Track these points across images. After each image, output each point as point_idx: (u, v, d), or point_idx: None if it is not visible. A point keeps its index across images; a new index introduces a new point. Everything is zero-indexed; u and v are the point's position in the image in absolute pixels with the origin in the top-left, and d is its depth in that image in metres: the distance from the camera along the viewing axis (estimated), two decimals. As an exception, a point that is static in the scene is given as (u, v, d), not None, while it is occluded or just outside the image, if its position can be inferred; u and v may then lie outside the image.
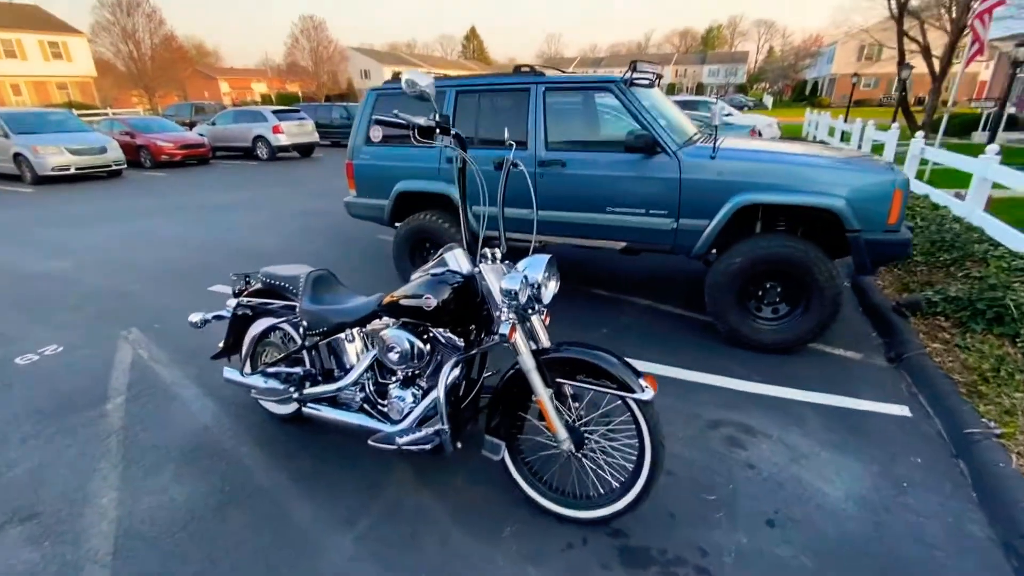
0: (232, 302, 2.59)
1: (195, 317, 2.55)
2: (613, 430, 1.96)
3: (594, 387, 1.78)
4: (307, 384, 2.33)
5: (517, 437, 2.03)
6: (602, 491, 1.94)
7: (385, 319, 2.10)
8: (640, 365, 2.56)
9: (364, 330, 2.21)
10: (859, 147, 9.42)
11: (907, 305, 3.40)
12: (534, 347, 1.85)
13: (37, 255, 5.56)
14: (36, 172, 10.31)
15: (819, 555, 1.79)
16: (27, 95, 31.69)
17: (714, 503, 2.03)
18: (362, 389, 2.21)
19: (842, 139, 11.68)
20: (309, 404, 2.26)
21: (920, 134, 6.45)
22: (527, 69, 3.55)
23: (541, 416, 1.97)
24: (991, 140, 6.45)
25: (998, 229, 4.41)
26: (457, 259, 2.02)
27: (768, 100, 44.12)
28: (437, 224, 3.84)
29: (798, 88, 51.34)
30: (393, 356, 1.98)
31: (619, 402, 1.83)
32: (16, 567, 1.79)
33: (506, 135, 2.34)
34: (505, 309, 1.79)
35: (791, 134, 15.31)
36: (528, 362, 1.81)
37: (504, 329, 1.75)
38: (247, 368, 2.63)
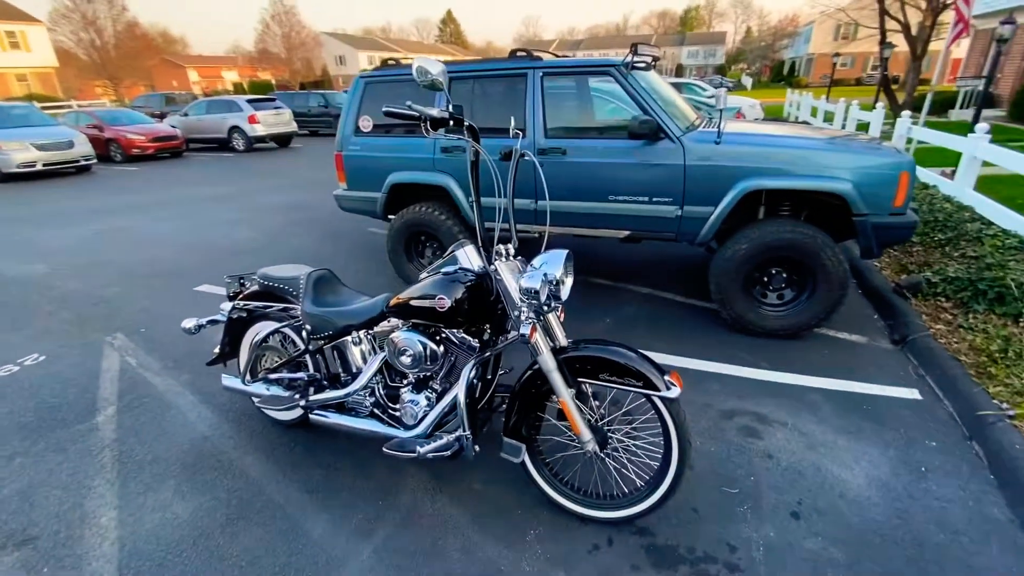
0: (227, 305, 2.47)
1: (188, 323, 2.43)
2: (637, 428, 1.91)
3: (619, 386, 1.72)
4: (312, 390, 2.24)
5: (536, 438, 1.97)
6: (626, 490, 1.90)
7: (394, 321, 2.01)
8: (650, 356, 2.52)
9: (371, 332, 2.12)
10: (843, 127, 9.48)
11: (908, 286, 3.42)
12: (552, 346, 1.78)
13: (7, 258, 5.30)
14: (0, 170, 9.83)
15: (847, 546, 1.78)
16: (-16, 88, 30.23)
17: (737, 496, 2.00)
18: (372, 394, 2.13)
19: (825, 119, 11.75)
20: (316, 411, 2.17)
21: (907, 114, 6.49)
22: (523, 53, 3.43)
23: (560, 416, 1.92)
24: (975, 118, 6.52)
25: (988, 207, 4.46)
26: (468, 256, 1.94)
27: (747, 81, 44.23)
28: (433, 217, 3.73)
29: (776, 69, 51.59)
30: (405, 360, 1.90)
31: (642, 399, 1.79)
32: (14, 598, 1.69)
33: (512, 124, 2.24)
34: (525, 308, 1.71)
35: (773, 115, 15.37)
36: (549, 362, 1.74)
37: (524, 329, 1.69)
38: (246, 375, 2.53)
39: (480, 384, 1.98)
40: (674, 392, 1.65)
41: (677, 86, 11.87)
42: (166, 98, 19.29)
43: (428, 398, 1.97)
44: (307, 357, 2.29)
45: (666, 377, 1.67)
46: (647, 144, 3.10)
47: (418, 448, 1.82)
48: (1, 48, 30.85)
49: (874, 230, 2.83)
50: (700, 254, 4.53)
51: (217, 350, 2.49)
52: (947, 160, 6.84)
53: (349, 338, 2.13)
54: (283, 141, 14.90)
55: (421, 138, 3.70)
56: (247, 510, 2.02)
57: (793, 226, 2.91)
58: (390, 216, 4.06)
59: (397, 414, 2.07)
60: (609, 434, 1.87)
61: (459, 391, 1.80)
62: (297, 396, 2.18)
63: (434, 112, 1.62)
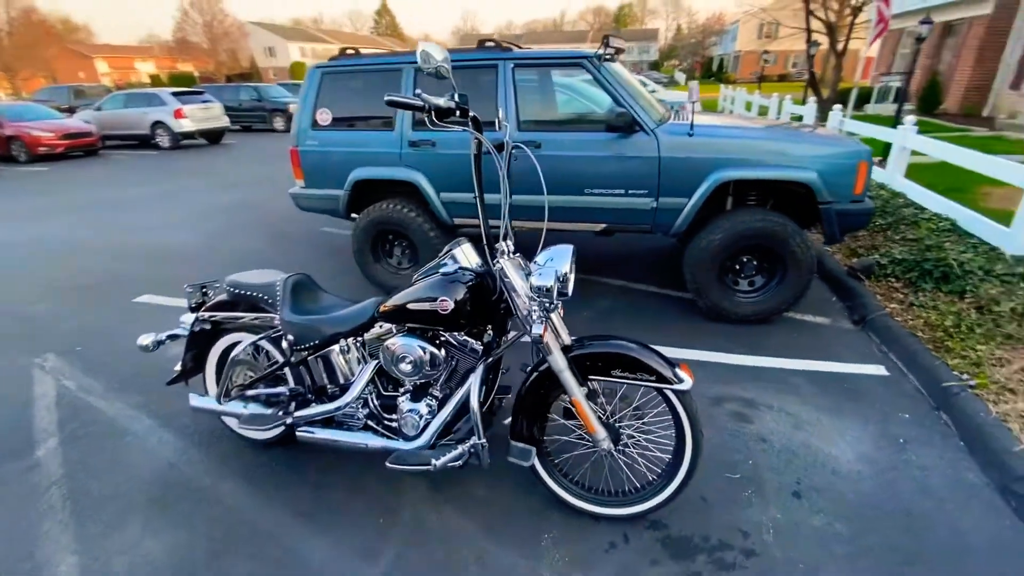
0: (188, 318, 2.24)
1: (146, 339, 2.18)
2: (647, 422, 1.90)
3: (632, 382, 1.69)
4: (295, 405, 2.07)
5: (543, 439, 1.92)
6: (638, 485, 1.89)
7: (386, 326, 1.89)
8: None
9: (360, 340, 1.98)
10: (777, 119, 10.02)
11: (861, 269, 3.64)
12: (559, 344, 1.73)
13: None
14: None
15: (849, 520, 1.85)
16: None
17: (740, 482, 2.04)
18: (365, 405, 1.99)
19: (760, 113, 12.39)
20: (302, 427, 2.01)
21: (838, 107, 6.93)
22: (492, 44, 3.34)
23: (567, 415, 1.88)
24: (898, 111, 7.08)
25: (919, 193, 4.85)
26: (466, 255, 1.86)
27: (680, 77, 46.03)
28: (403, 214, 3.57)
29: (706, 65, 53.98)
30: (405, 367, 1.79)
31: (652, 393, 1.78)
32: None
33: (500, 116, 2.17)
34: (536, 307, 1.65)
35: (709, 109, 16.05)
36: (560, 361, 1.69)
37: (537, 329, 1.62)
38: (214, 391, 2.30)
39: (484, 387, 1.90)
40: (687, 384, 1.65)
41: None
42: (74, 91, 17.50)
43: (429, 406, 1.87)
44: (286, 370, 2.11)
45: (676, 369, 1.67)
46: (622, 137, 3.10)
47: (433, 461, 1.71)
48: None
49: (837, 217, 2.98)
50: (668, 246, 4.63)
51: (178, 367, 2.25)
52: (874, 150, 7.40)
53: (336, 347, 1.98)
54: (214, 137, 13.92)
55: (385, 131, 3.53)
56: (233, 541, 1.84)
57: (764, 215, 3.01)
58: (353, 215, 3.86)
59: (394, 425, 1.96)
60: (620, 430, 1.84)
61: (471, 396, 1.71)
62: (281, 413, 2.01)
63: (441, 102, 1.52)
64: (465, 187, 3.46)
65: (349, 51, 3.63)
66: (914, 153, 5.31)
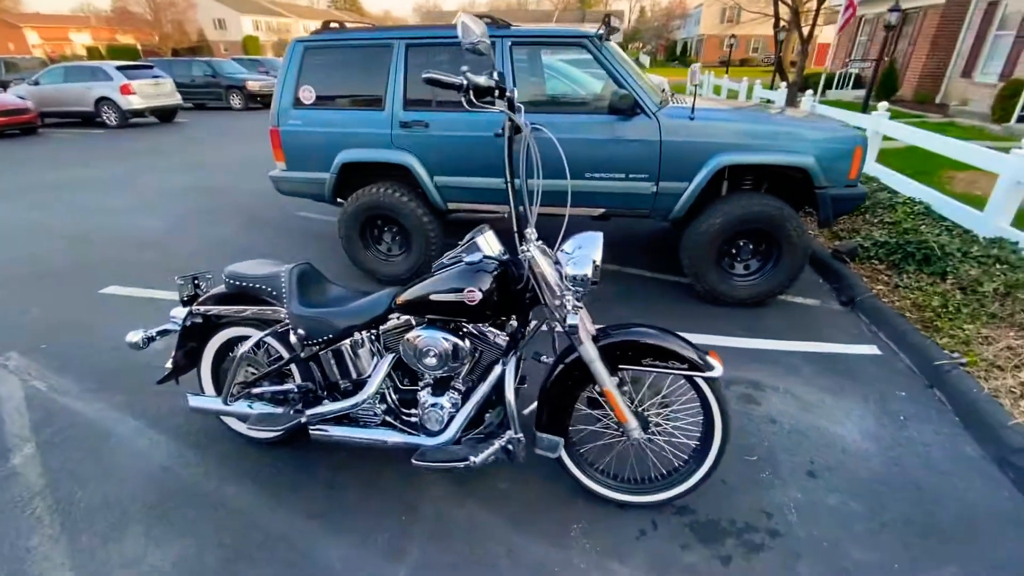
0: (179, 312, 2.09)
1: (135, 336, 2.01)
2: (675, 409, 1.89)
3: (663, 370, 1.68)
4: (303, 402, 1.97)
5: (568, 429, 1.89)
6: (664, 472, 1.89)
7: (404, 318, 1.80)
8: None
9: (375, 332, 1.88)
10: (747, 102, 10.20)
11: (846, 251, 3.76)
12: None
13: None
14: None
15: (863, 497, 1.91)
16: None
17: (757, 463, 2.08)
18: (382, 400, 1.91)
19: (728, 97, 12.59)
20: (316, 426, 1.91)
21: (810, 92, 7.09)
22: (488, 20, 3.20)
23: (592, 405, 1.86)
24: (867, 96, 7.31)
25: (890, 177, 5.03)
26: (489, 242, 1.78)
27: (645, 60, 46.26)
28: (394, 199, 3.42)
29: (670, 48, 54.41)
30: (430, 360, 1.72)
31: (680, 380, 1.77)
32: None
33: (514, 95, 2.07)
34: (570, 296, 1.60)
35: (678, 92, 16.20)
36: (591, 351, 1.66)
37: (573, 320, 1.58)
38: (210, 390, 2.17)
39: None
40: (718, 371, 1.65)
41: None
42: (5, 64, 16.07)
43: (452, 400, 1.80)
44: (293, 366, 2.00)
45: (707, 357, 1.66)
46: (623, 119, 3.06)
47: (471, 458, 1.65)
48: None
49: (831, 201, 3.04)
50: (659, 229, 4.65)
51: (169, 364, 2.10)
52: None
53: (349, 340, 1.88)
54: (166, 115, 13.10)
55: (375, 111, 3.36)
56: (246, 547, 1.74)
57: (762, 199, 3.04)
58: (339, 199, 3.69)
59: (413, 420, 1.89)
60: (649, 418, 1.83)
61: (506, 388, 1.65)
62: (292, 412, 1.90)
63: (482, 80, 1.42)
64: (460, 170, 3.35)
65: (333, 25, 3.42)
66: (884, 138, 5.50)
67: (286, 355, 1.98)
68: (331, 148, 3.46)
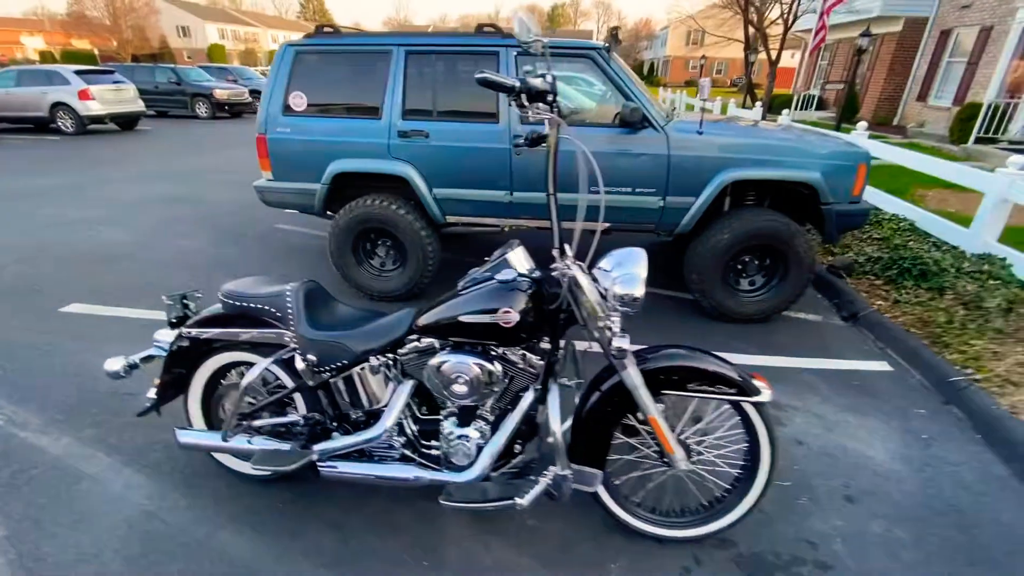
0: (166, 334, 1.88)
1: (115, 364, 1.79)
2: (718, 436, 1.79)
3: (711, 396, 1.58)
4: (313, 435, 1.78)
5: (606, 461, 1.76)
6: (705, 503, 1.78)
7: (426, 341, 1.65)
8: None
9: (391, 357, 1.72)
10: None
11: (842, 267, 3.79)
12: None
13: None
14: None
15: (906, 523, 1.84)
16: None
17: (792, 489, 1.99)
18: (401, 431, 1.73)
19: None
20: (325, 463, 1.72)
21: (786, 111, 7.30)
22: (490, 29, 3.11)
23: (629, 432, 1.74)
24: (840, 116, 7.57)
25: (871, 195, 5.15)
26: (520, 259, 1.66)
27: (614, 78, 47.39)
28: (390, 211, 3.26)
29: (637, 68, 55.98)
30: (459, 388, 1.57)
31: (724, 405, 1.67)
32: None
33: (563, 104, 1.97)
34: (617, 318, 1.49)
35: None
36: (635, 377, 1.54)
37: (622, 343, 1.47)
38: (199, 422, 1.94)
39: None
40: (767, 395, 1.56)
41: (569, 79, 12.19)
42: (-53, 65, 15.07)
43: (480, 431, 1.65)
44: (297, 395, 1.81)
45: (754, 380, 1.57)
46: (630, 132, 3.00)
47: (517, 499, 1.49)
48: None
49: (836, 217, 3.04)
50: (657, 245, 4.60)
51: (151, 394, 1.87)
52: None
53: (364, 366, 1.71)
54: (127, 123, 12.49)
55: (371, 120, 3.21)
56: (250, 606, 1.53)
57: (771, 215, 3.02)
58: (329, 212, 3.50)
59: (434, 453, 1.72)
60: (691, 446, 1.72)
61: (551, 419, 1.51)
62: (300, 447, 1.71)
63: (539, 83, 1.30)
64: (461, 182, 3.22)
65: (327, 29, 3.26)
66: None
67: (289, 383, 1.79)
68: (323, 157, 3.28)
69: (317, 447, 1.71)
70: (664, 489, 1.84)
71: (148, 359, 1.87)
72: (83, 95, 11.07)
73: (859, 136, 5.39)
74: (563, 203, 1.79)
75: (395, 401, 1.68)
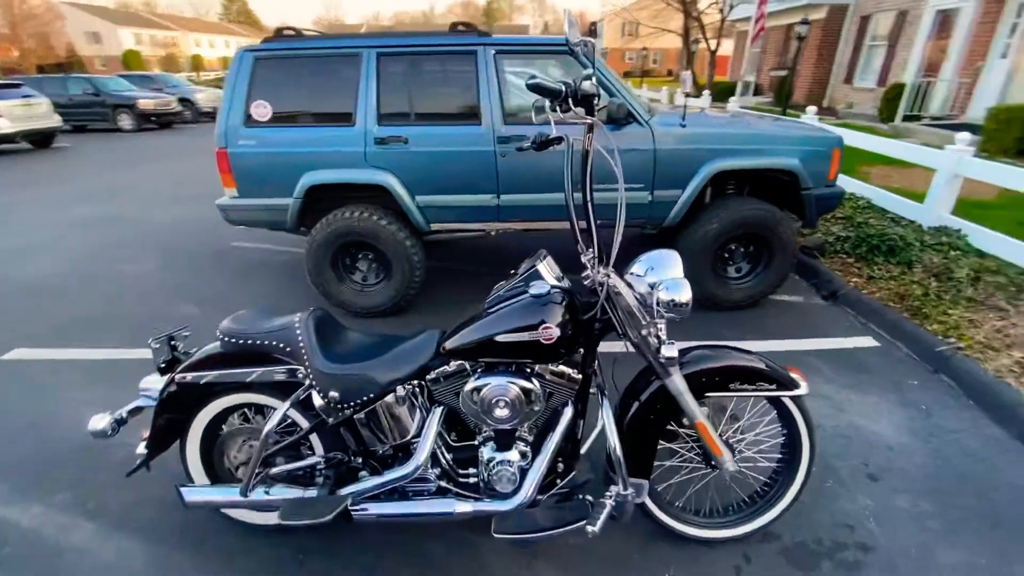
0: (154, 381, 1.69)
1: (100, 422, 1.59)
2: (757, 432, 1.78)
3: (754, 394, 1.57)
4: (333, 477, 1.64)
5: (651, 469, 1.72)
6: (747, 500, 1.78)
7: (455, 364, 1.55)
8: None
9: (418, 384, 1.61)
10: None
11: (814, 247, 3.94)
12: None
13: None
14: None
15: (928, 496, 1.91)
16: None
17: (818, 474, 2.02)
18: (435, 462, 1.62)
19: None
20: (357, 504, 1.58)
21: (733, 99, 7.56)
22: (464, 28, 2.99)
23: (670, 438, 1.71)
24: (786, 102, 7.91)
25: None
26: (550, 270, 1.60)
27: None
28: (371, 222, 3.08)
29: (576, 60, 56.77)
30: (500, 412, 1.49)
31: (763, 402, 1.68)
32: None
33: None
34: (663, 325, 1.45)
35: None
36: (680, 383, 1.51)
37: (671, 351, 1.43)
38: (200, 476, 1.75)
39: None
40: (805, 388, 1.57)
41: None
42: None
43: (523, 453, 1.57)
44: (313, 436, 1.66)
45: (792, 374, 1.58)
46: (615, 129, 2.97)
47: (589, 527, 1.41)
48: None
49: (815, 201, 3.14)
50: (640, 238, 4.62)
51: (142, 448, 1.67)
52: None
53: (390, 397, 1.58)
54: (42, 140, 11.39)
55: (344, 127, 3.02)
56: (292, 676, 1.38)
57: (755, 203, 3.08)
58: (303, 228, 3.28)
59: (472, 481, 1.63)
60: (734, 445, 1.71)
61: (609, 434, 1.45)
62: (329, 492, 1.56)
63: (587, 85, 1.22)
64: (445, 188, 3.09)
65: (288, 32, 3.03)
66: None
67: (304, 423, 1.64)
68: (293, 170, 3.06)
69: (346, 490, 1.57)
70: (707, 490, 1.82)
71: (136, 411, 1.67)
72: (-13, 112, 9.98)
73: (810, 119, 5.63)
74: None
75: (427, 431, 1.57)
